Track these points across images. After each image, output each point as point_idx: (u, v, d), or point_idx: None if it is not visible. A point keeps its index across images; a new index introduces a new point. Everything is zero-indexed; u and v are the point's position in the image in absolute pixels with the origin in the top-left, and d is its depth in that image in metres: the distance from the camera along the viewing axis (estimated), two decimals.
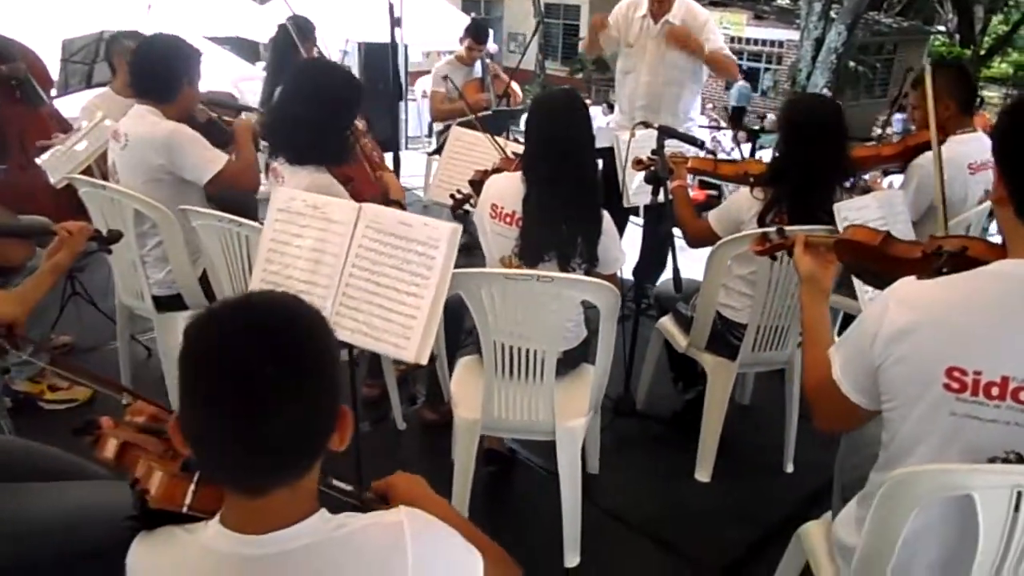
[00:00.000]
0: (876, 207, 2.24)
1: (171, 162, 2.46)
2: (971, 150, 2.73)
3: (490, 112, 4.22)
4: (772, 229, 1.85)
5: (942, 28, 18.55)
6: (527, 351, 1.98)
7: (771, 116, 12.30)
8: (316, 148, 2.13)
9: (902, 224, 2.31)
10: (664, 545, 2.28)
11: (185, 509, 1.00)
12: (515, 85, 4.79)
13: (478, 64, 4.83)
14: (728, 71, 3.72)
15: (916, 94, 3.00)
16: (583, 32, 18.04)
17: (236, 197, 2.72)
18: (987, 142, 3.05)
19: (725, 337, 2.44)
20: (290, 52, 3.82)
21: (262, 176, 2.67)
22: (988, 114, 8.91)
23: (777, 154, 2.31)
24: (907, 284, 1.33)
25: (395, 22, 3.72)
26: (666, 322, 2.71)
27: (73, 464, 1.70)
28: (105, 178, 2.67)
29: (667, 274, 2.72)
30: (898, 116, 8.19)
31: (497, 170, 2.44)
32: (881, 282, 1.52)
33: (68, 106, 3.78)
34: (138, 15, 5.14)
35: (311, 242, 1.81)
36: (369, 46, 8.01)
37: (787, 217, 2.22)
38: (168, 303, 2.62)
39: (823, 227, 2.11)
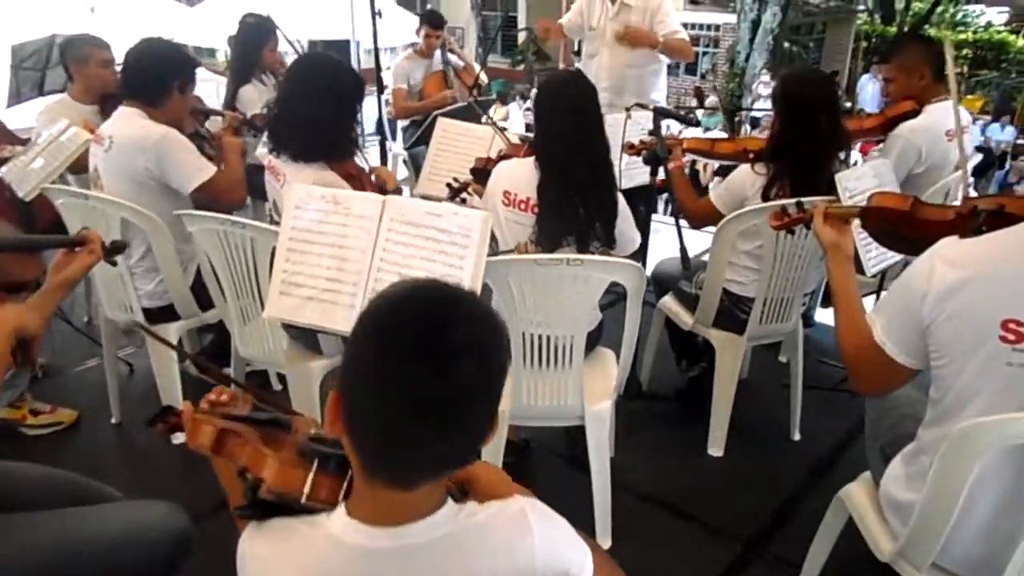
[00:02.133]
0: (872, 175, 2.29)
1: (157, 167, 2.36)
2: (947, 117, 2.79)
3: (463, 104, 4.16)
4: (790, 202, 1.87)
5: (863, 7, 19.18)
6: (554, 338, 1.96)
7: (712, 98, 12.52)
8: (324, 145, 2.07)
9: (892, 190, 2.37)
10: (689, 519, 2.31)
11: (304, 499, 0.93)
12: (483, 75, 4.72)
13: (437, 55, 4.73)
14: (682, 54, 3.73)
15: (889, 67, 3.06)
16: (521, 23, 18.01)
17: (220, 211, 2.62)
18: (962, 109, 3.17)
19: (732, 312, 2.47)
20: (254, 51, 3.72)
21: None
22: None
23: (776, 129, 2.33)
24: (951, 243, 1.37)
25: (376, 14, 3.64)
26: (668, 301, 2.72)
27: (91, 487, 1.63)
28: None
29: (658, 255, 2.74)
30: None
31: (504, 157, 2.42)
32: (911, 246, 1.56)
33: (22, 115, 3.58)
34: (82, 18, 4.92)
35: (334, 238, 1.76)
36: (328, 43, 7.84)
37: (790, 190, 2.26)
38: (159, 315, 2.51)
39: (827, 198, 2.15)
